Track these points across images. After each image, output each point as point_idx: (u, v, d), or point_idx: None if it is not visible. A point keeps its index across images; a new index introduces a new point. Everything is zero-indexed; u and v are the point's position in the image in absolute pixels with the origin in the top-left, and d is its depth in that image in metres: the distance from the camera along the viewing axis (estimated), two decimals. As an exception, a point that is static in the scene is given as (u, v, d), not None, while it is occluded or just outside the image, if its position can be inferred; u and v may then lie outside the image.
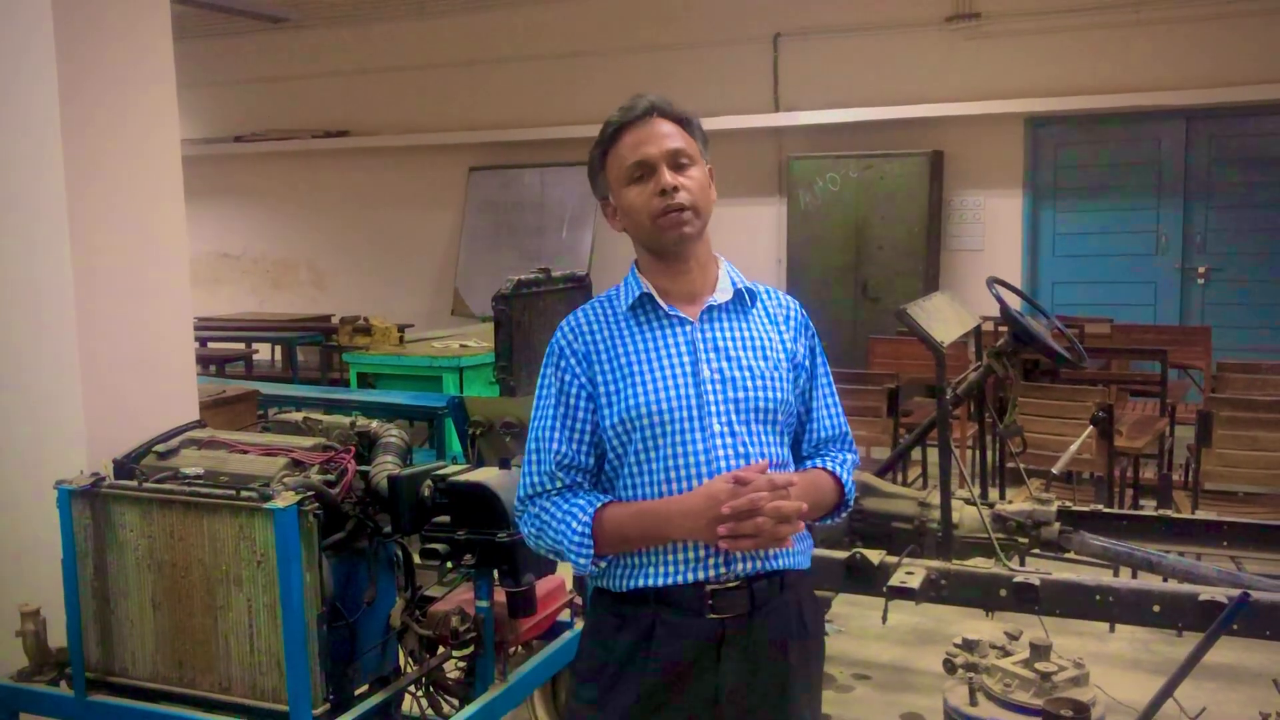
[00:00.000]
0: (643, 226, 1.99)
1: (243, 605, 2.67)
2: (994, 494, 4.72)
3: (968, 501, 3.60)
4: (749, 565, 1.95)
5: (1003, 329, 4.04)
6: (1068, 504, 3.76)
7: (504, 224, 10.74)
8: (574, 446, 2.00)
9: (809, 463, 2.12)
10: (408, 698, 3.10)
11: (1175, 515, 3.78)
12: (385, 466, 2.92)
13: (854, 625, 4.73)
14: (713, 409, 1.96)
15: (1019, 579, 3.19)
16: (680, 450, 1.95)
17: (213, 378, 7.90)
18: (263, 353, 10.92)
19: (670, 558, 1.95)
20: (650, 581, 1.95)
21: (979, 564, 3.38)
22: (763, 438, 1.99)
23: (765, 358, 2.03)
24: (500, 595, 2.88)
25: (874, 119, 9.14)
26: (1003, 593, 3.23)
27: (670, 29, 9.92)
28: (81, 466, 2.95)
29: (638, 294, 2.03)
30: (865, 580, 3.36)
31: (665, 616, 1.95)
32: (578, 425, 2.00)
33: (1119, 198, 8.93)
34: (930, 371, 6.23)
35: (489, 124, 10.80)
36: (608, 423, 1.98)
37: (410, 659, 3.06)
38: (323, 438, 3.03)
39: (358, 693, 2.92)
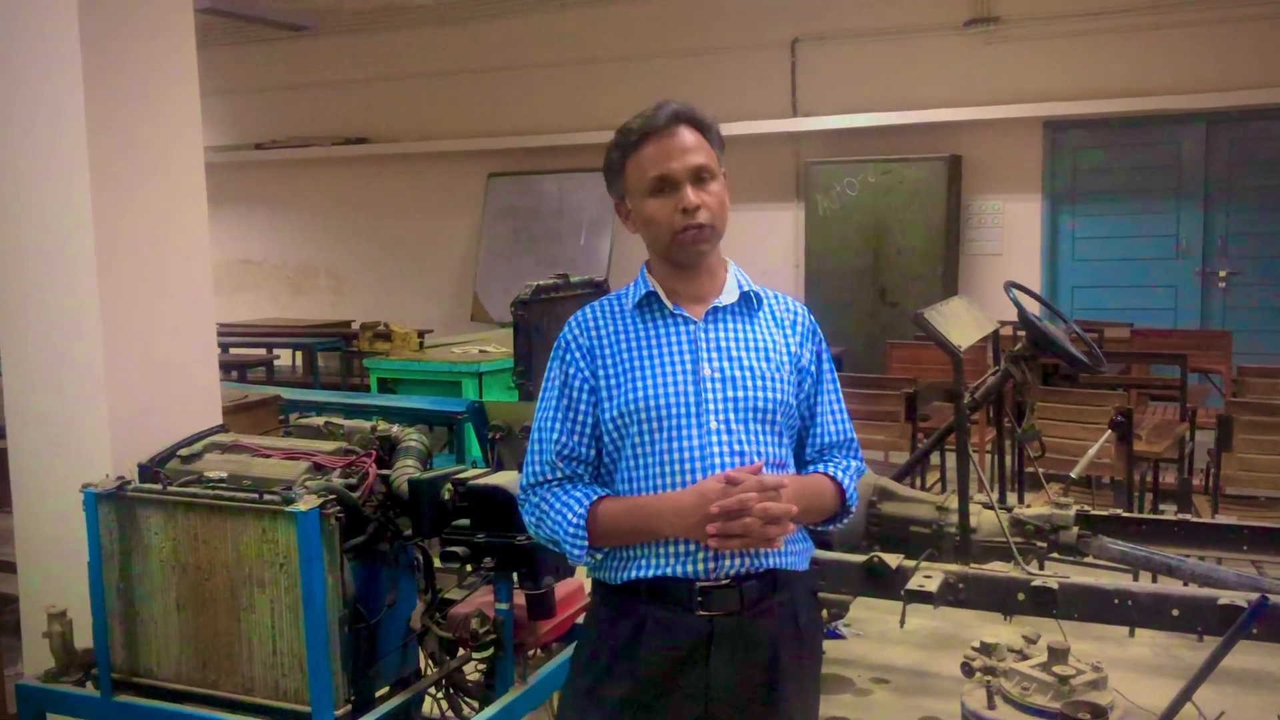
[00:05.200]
0: (660, 239, 2.03)
1: (265, 607, 2.70)
2: (1012, 498, 4.71)
3: (986, 506, 3.60)
4: (738, 564, 1.97)
5: (1021, 333, 4.04)
6: (1086, 508, 3.75)
7: (523, 230, 10.78)
8: (575, 438, 2.04)
9: (812, 467, 2.14)
10: (428, 699, 3.13)
11: (1195, 519, 3.77)
12: (406, 470, 2.94)
13: (872, 629, 4.73)
14: (711, 407, 1.99)
15: (1037, 583, 3.19)
16: (676, 446, 1.98)
17: (235, 383, 7.95)
18: (284, 358, 10.98)
19: (661, 550, 1.98)
20: (641, 573, 1.98)
21: (997, 568, 3.38)
22: (760, 437, 2.01)
23: (767, 359, 2.05)
24: (520, 598, 2.90)
25: (892, 124, 9.13)
26: (1021, 596, 3.23)
27: (689, 35, 9.95)
28: (107, 470, 2.98)
29: (644, 292, 2.07)
30: (883, 584, 3.37)
31: (656, 611, 1.98)
32: (579, 417, 2.04)
33: (1138, 202, 8.89)
34: (949, 376, 6.22)
35: (508, 130, 10.84)
36: (607, 416, 2.01)
37: (430, 661, 3.08)
38: (344, 442, 3.06)
39: (378, 694, 2.94)
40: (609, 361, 2.03)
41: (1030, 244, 9.16)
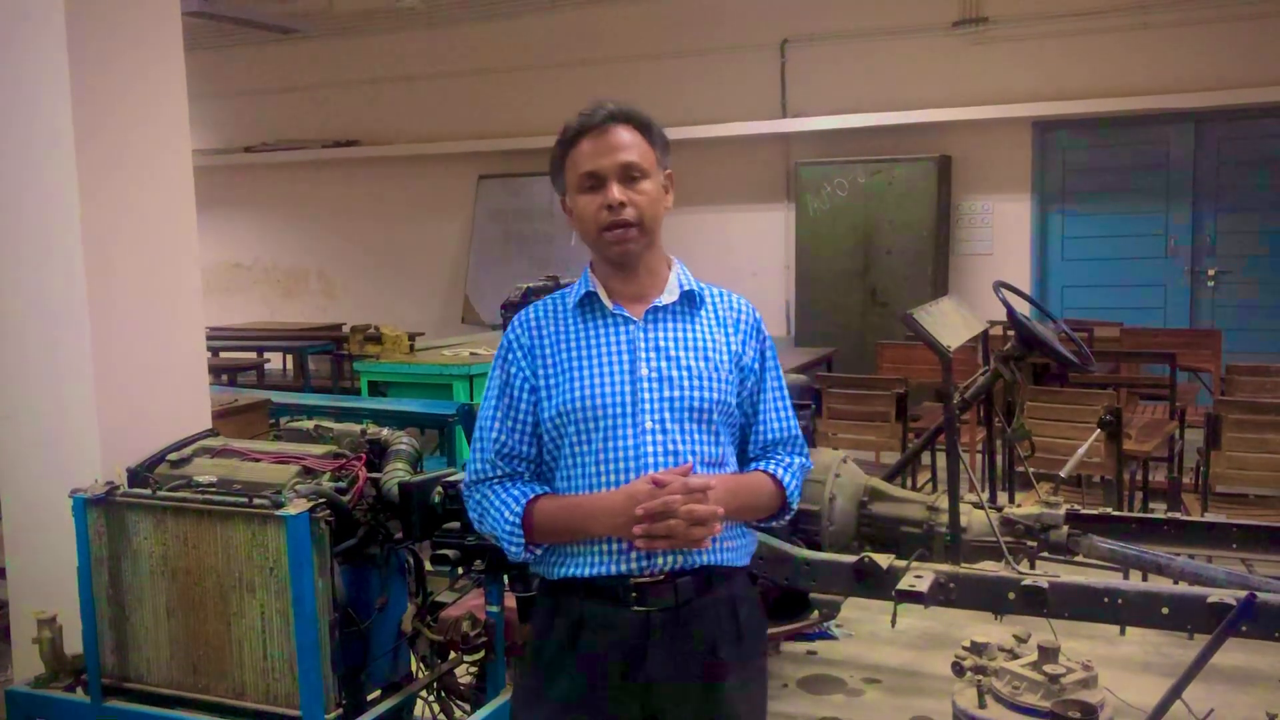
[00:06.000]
0: (589, 234, 2.06)
1: (255, 612, 2.70)
2: (1003, 498, 4.73)
3: (976, 505, 3.61)
4: (670, 561, 2.00)
5: (1011, 333, 4.05)
6: (1076, 507, 3.76)
7: (513, 232, 10.79)
8: (515, 436, 2.07)
9: (755, 465, 2.16)
10: (419, 703, 3.13)
11: (1184, 518, 3.78)
12: (396, 473, 2.94)
13: (863, 629, 4.73)
14: (646, 407, 2.01)
15: (1027, 582, 3.20)
16: (611, 445, 2.01)
17: (225, 387, 7.93)
18: (274, 362, 10.96)
19: (595, 549, 2.01)
20: (577, 571, 2.02)
21: (987, 567, 3.39)
22: (695, 437, 2.03)
23: (706, 359, 2.07)
24: (510, 600, 2.90)
25: (881, 124, 9.14)
26: (1011, 596, 3.23)
27: (678, 36, 9.95)
28: (96, 475, 2.97)
29: (584, 292, 2.09)
30: (874, 584, 3.37)
31: (593, 607, 2.01)
32: (520, 416, 2.08)
33: (1127, 201, 8.92)
34: (939, 376, 6.24)
35: (498, 133, 10.83)
36: (545, 415, 2.05)
37: (422, 664, 3.09)
38: (334, 445, 3.05)
39: (370, 698, 2.94)
40: (549, 361, 2.07)
41: (1020, 244, 9.18)
